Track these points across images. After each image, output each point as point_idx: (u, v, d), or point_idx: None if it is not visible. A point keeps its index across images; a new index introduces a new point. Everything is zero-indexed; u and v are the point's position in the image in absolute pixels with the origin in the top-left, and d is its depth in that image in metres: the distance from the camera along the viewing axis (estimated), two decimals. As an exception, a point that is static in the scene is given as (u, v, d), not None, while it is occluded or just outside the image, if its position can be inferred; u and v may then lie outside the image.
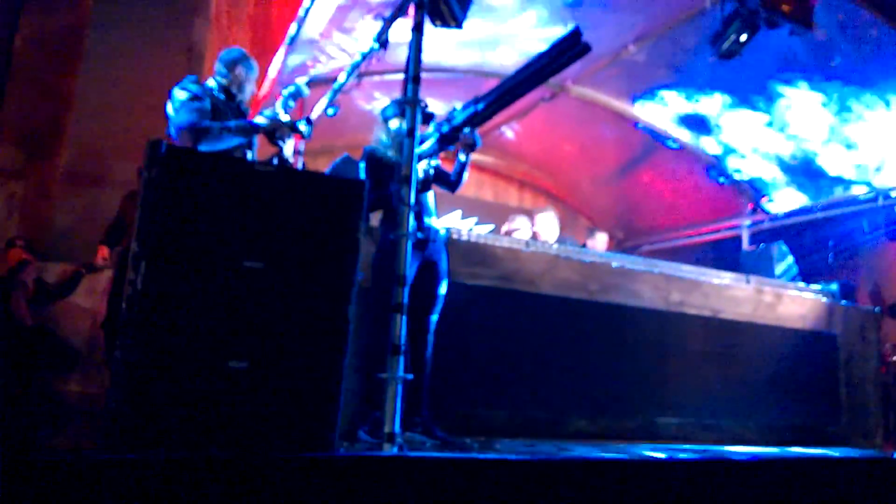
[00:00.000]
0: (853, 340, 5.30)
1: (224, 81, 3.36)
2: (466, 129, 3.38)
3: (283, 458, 2.31)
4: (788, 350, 4.99)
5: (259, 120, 3.25)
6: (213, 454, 2.32)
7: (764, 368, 4.85)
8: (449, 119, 3.41)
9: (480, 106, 3.29)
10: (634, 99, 6.06)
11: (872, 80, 4.96)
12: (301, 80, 3.51)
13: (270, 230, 2.59)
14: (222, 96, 3.33)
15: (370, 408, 3.21)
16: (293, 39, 4.35)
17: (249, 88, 3.42)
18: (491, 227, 7.60)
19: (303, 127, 3.28)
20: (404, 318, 2.70)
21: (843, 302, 5.38)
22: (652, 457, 3.21)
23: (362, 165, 3.48)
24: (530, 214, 5.78)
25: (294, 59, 4.74)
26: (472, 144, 3.44)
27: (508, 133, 6.99)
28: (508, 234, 5.50)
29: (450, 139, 3.45)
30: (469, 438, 3.56)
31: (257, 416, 2.49)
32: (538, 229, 5.53)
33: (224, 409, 2.47)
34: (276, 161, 3.06)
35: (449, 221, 7.45)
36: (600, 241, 5.74)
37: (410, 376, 2.71)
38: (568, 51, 3.00)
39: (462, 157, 3.54)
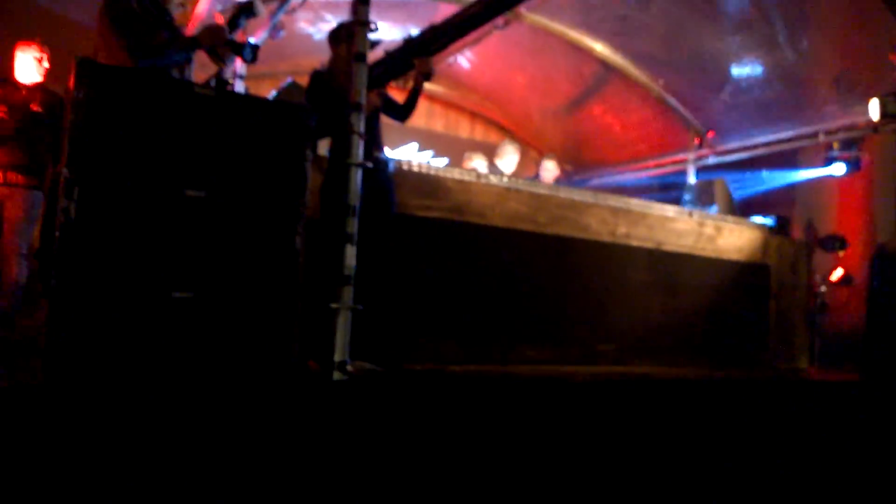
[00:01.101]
0: (785, 271, 5.53)
1: None
2: (421, 57, 3.25)
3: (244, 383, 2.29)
4: (725, 280, 5.18)
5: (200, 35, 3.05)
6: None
7: (702, 297, 5.05)
8: (404, 45, 3.28)
9: (438, 32, 3.16)
10: (589, 29, 5.94)
11: (815, 12, 4.98)
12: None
13: (212, 157, 2.48)
14: (154, 11, 3.09)
15: (320, 338, 3.19)
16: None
17: (178, 2, 3.17)
18: (445, 160, 7.53)
19: (247, 50, 3.09)
20: (354, 248, 2.65)
21: (778, 235, 5.57)
22: (590, 379, 3.32)
23: (308, 91, 3.32)
24: (488, 150, 5.76)
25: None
26: (427, 73, 3.32)
27: (461, 61, 6.80)
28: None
29: (403, 66, 3.32)
30: (418, 366, 3.60)
31: (205, 348, 2.44)
32: (500, 163, 5.53)
33: (169, 340, 2.41)
34: (214, 83, 2.89)
35: (405, 153, 7.35)
36: (549, 168, 5.71)
37: (360, 307, 2.68)
38: None
39: (416, 85, 3.43)
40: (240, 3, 3.07)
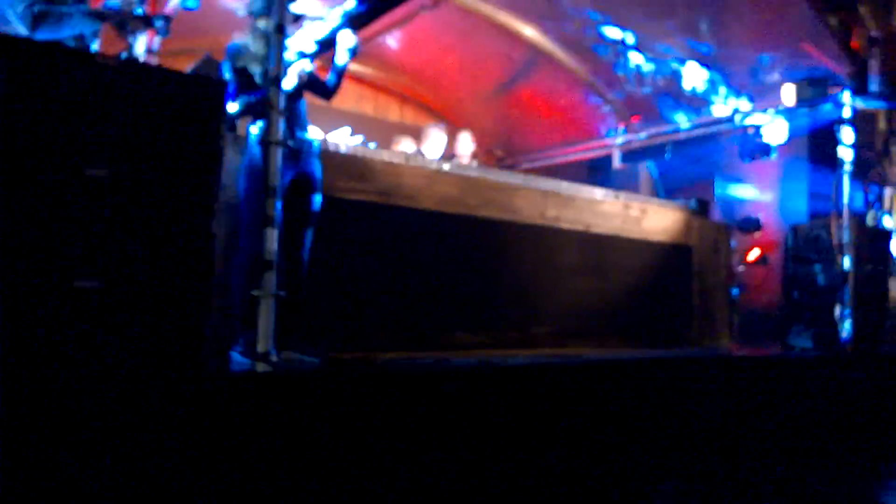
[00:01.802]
0: (706, 252, 5.70)
1: None
2: (345, 31, 3.10)
3: (154, 380, 2.11)
4: (651, 261, 5.29)
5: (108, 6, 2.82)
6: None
7: (629, 279, 5.13)
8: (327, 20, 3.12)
9: (362, 7, 3.02)
10: (519, 12, 5.90)
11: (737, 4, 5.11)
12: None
13: (118, 135, 2.25)
14: None
15: (243, 327, 3.02)
16: None
17: None
18: (374, 145, 7.36)
19: (159, 22, 2.87)
20: (276, 231, 2.50)
21: (700, 217, 5.72)
22: (524, 362, 3.29)
23: (226, 66, 3.13)
24: (418, 134, 5.60)
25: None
26: (352, 49, 3.17)
27: (390, 41, 6.64)
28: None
29: (327, 41, 3.17)
30: (348, 355, 3.48)
31: (114, 339, 2.23)
32: (425, 147, 5.36)
33: (73, 331, 2.20)
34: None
35: (337, 138, 7.15)
36: (464, 141, 5.45)
37: (283, 293, 2.54)
38: None
39: (340, 61, 3.28)
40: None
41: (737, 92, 6.10)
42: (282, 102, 2.51)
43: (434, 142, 5.33)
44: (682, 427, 3.13)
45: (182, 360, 2.26)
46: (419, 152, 5.41)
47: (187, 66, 4.35)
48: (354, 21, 3.06)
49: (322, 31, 3.14)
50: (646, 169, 6.19)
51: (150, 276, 2.28)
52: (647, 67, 6.18)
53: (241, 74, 3.09)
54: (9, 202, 2.12)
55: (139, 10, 2.89)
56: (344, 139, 7.24)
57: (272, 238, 2.48)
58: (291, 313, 3.07)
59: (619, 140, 6.90)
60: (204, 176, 2.39)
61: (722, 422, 3.46)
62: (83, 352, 2.19)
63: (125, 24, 2.84)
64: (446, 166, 4.32)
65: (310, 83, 3.31)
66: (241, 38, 3.23)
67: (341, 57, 3.22)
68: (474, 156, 5.56)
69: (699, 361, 4.07)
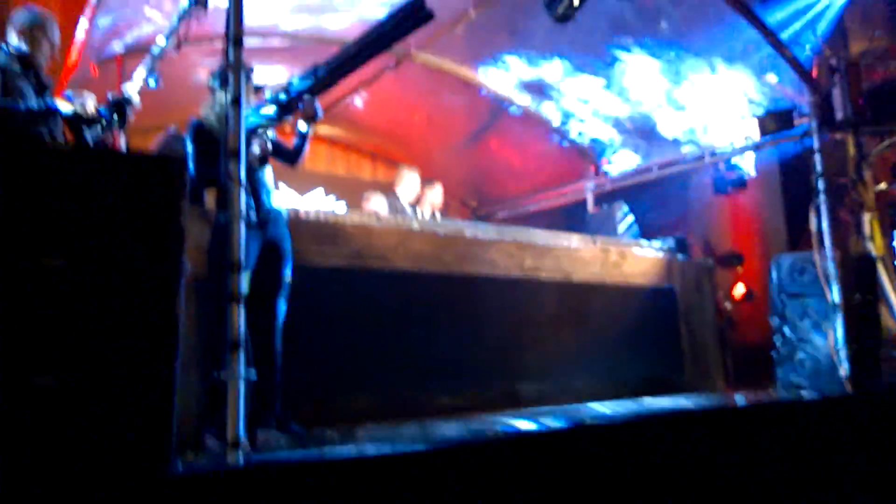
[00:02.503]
0: (690, 292, 5.71)
1: (18, 47, 2.90)
2: (306, 98, 3.14)
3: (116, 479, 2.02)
4: (634, 306, 5.27)
5: (62, 105, 2.85)
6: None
7: (614, 326, 5.08)
8: (287, 88, 3.16)
9: (320, 73, 3.07)
10: (478, 65, 6.04)
11: (697, 44, 5.27)
12: (131, 87, 3.14)
13: (73, 221, 2.23)
14: (17, 67, 2.86)
15: (216, 409, 2.94)
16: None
17: (47, 52, 2.97)
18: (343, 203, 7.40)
19: (104, 114, 2.91)
20: (242, 308, 2.46)
21: (680, 256, 5.76)
22: (514, 431, 3.22)
23: (188, 139, 3.15)
24: (388, 188, 5.63)
25: (104, 21, 4.19)
26: (312, 115, 3.21)
27: (357, 102, 6.75)
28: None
29: (287, 109, 3.20)
30: (329, 429, 3.40)
31: (74, 438, 2.15)
32: (399, 189, 5.36)
33: (30, 431, 2.12)
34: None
35: (311, 201, 7.19)
36: (407, 178, 5.37)
37: (253, 373, 2.48)
38: (411, 17, 2.87)
39: (302, 128, 3.31)
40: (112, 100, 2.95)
41: (704, 129, 6.25)
42: (243, 174, 2.50)
43: (407, 184, 5.34)
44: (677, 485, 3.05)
45: (148, 454, 2.18)
46: (392, 201, 5.41)
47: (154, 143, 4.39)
48: (315, 87, 3.10)
49: (283, 99, 3.15)
50: (621, 210, 6.24)
51: (112, 366, 2.22)
52: (618, 111, 6.31)
53: (204, 147, 3.10)
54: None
55: (82, 106, 2.91)
56: (316, 202, 7.32)
57: (237, 316, 2.44)
58: (266, 388, 3.00)
59: (591, 184, 6.98)
60: (166, 256, 2.36)
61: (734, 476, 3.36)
62: (40, 449, 2.11)
63: (78, 124, 2.86)
64: (419, 224, 4.33)
65: (274, 151, 3.33)
66: (204, 111, 3.28)
67: (303, 123, 3.25)
68: (442, 207, 5.59)
69: (696, 414, 4.02)
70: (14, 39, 2.92)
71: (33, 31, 2.94)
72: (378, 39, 2.95)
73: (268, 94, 3.25)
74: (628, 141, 6.60)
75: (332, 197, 7.53)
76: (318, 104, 3.17)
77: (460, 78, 6.20)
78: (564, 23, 4.02)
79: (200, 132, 3.17)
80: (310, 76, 3.04)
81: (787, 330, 5.24)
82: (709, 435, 3.59)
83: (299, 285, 3.35)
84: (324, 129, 6.83)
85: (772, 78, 5.33)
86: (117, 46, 4.48)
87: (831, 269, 4.90)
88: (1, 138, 2.30)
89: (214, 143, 3.07)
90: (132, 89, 3.25)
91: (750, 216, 8.12)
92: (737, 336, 6.77)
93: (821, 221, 4.96)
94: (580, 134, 6.80)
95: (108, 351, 2.23)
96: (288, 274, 3.27)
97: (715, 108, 5.89)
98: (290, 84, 3.12)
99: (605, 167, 6.92)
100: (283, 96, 3.13)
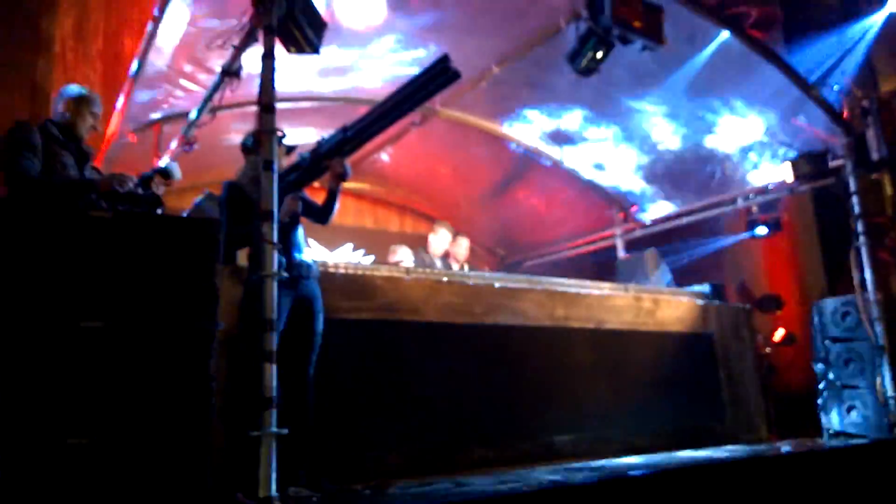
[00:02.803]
0: (728, 338, 5.61)
1: (62, 120, 3.08)
2: (336, 158, 3.24)
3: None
4: (670, 354, 5.20)
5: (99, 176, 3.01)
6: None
7: (649, 374, 5.03)
8: (317, 149, 3.27)
9: (349, 133, 3.17)
10: (502, 118, 6.16)
11: (722, 90, 5.31)
12: (174, 163, 3.30)
13: (111, 284, 2.33)
14: (61, 136, 3.03)
15: (247, 466, 2.96)
16: (137, 72, 4.05)
17: (90, 123, 3.14)
18: (372, 257, 7.50)
19: (141, 190, 3.04)
20: (275, 367, 2.50)
21: (716, 301, 5.69)
22: (550, 483, 3.17)
23: (222, 201, 3.25)
24: (419, 242, 5.81)
25: (143, 95, 4.41)
26: (341, 174, 3.30)
27: (384, 157, 6.91)
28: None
29: (318, 170, 3.30)
30: (361, 485, 3.38)
31: (106, 498, 2.20)
32: (433, 241, 5.61)
33: (66, 490, 2.17)
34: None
35: (341, 255, 7.33)
36: (440, 233, 5.71)
37: (286, 431, 2.50)
38: (437, 77, 2.98)
39: (332, 187, 3.41)
40: (157, 167, 3.07)
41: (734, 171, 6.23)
42: (274, 235, 2.58)
43: (439, 238, 5.64)
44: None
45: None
46: (421, 254, 5.54)
47: (190, 204, 4.55)
48: (344, 148, 3.20)
49: (313, 160, 3.26)
50: (652, 257, 6.21)
51: (147, 426, 2.28)
52: (641, 158, 6.35)
53: (237, 207, 3.20)
54: (2, 356, 2.16)
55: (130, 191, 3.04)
56: (346, 256, 7.44)
57: (270, 374, 2.48)
58: (297, 445, 3.02)
59: (621, 230, 6.98)
60: (199, 316, 2.44)
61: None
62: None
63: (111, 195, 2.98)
64: (448, 275, 4.38)
65: (305, 209, 3.43)
66: (238, 173, 3.40)
67: (334, 183, 3.34)
68: (469, 259, 5.72)
69: (740, 464, 3.92)
70: (60, 109, 3.10)
71: (79, 105, 3.11)
72: (406, 99, 3.05)
73: (298, 156, 3.37)
74: (657, 187, 6.60)
75: (360, 251, 7.64)
76: (348, 164, 3.26)
77: (485, 131, 6.28)
78: (588, 76, 4.10)
79: (233, 194, 3.28)
80: (338, 136, 3.14)
81: (831, 375, 5.12)
82: (754, 487, 3.49)
83: (330, 339, 3.40)
84: (351, 184, 6.96)
85: (802, 121, 5.32)
86: (155, 115, 4.69)
87: (875, 311, 4.80)
88: (40, 208, 2.42)
89: (247, 204, 3.20)
90: (171, 162, 3.38)
91: (786, 259, 8.02)
92: (778, 382, 6.62)
93: (862, 263, 4.89)
94: (606, 183, 6.84)
95: (143, 411, 2.29)
96: (320, 330, 3.32)
97: (745, 152, 5.87)
98: (319, 145, 3.23)
99: (635, 214, 6.90)
100: (313, 157, 3.23)
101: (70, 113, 3.09)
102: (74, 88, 3.19)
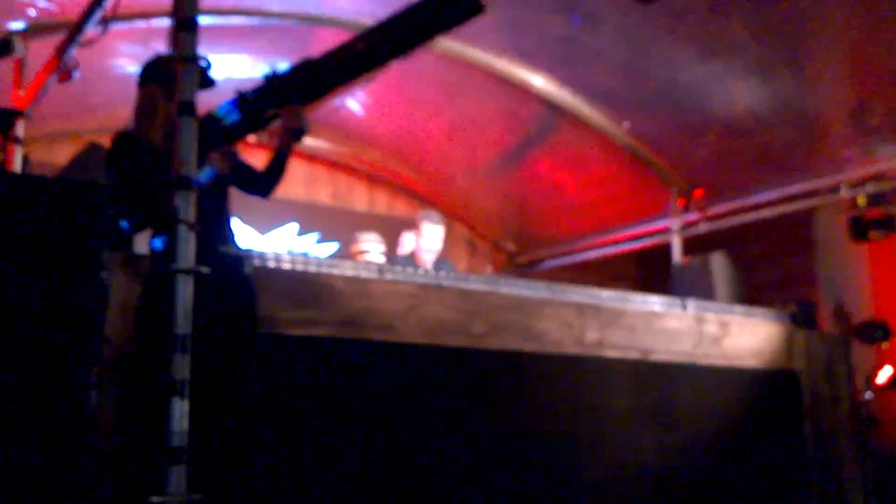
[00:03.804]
0: (819, 378, 5.64)
1: None
2: (290, 105, 3.11)
3: None
4: (740, 398, 5.22)
5: None
6: None
7: (710, 426, 5.04)
8: (264, 87, 3.13)
9: (316, 71, 3.03)
10: (522, 58, 6.07)
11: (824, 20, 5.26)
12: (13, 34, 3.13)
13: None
14: None
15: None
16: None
17: None
18: (336, 245, 7.41)
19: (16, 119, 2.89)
20: (186, 403, 2.37)
21: (805, 328, 5.65)
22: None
23: (115, 160, 3.10)
24: (394, 227, 5.66)
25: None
26: (297, 130, 3.19)
27: (351, 105, 6.81)
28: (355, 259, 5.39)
29: (261, 118, 3.17)
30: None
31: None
32: (423, 241, 5.45)
33: None
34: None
35: (279, 240, 7.21)
36: (426, 230, 5.46)
37: (200, 496, 2.37)
38: (453, 6, 2.83)
39: (281, 146, 3.29)
40: None
41: (834, 151, 6.18)
42: (190, 210, 2.43)
43: (427, 237, 5.45)
44: None
45: None
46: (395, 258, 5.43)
47: (70, 154, 4.42)
48: (304, 92, 3.05)
49: (251, 102, 3.12)
50: (721, 261, 6.16)
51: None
52: (710, 122, 6.28)
53: (134, 169, 3.05)
54: None
55: None
56: (287, 242, 7.33)
57: (181, 413, 2.34)
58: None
59: (679, 224, 6.91)
60: (78, 325, 2.31)
61: None
62: None
63: None
64: (439, 278, 4.29)
65: (237, 174, 3.29)
66: (137, 119, 3.25)
67: (284, 142, 3.20)
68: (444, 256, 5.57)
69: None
70: None
71: None
72: (400, 36, 2.90)
73: (235, 94, 3.23)
74: (733, 164, 6.52)
75: (311, 235, 7.55)
76: (306, 115, 3.13)
77: (495, 74, 6.20)
78: (648, 3, 4.00)
79: (130, 148, 3.13)
80: (299, 74, 3.00)
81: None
82: None
83: (266, 364, 3.34)
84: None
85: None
86: (15, 24, 4.51)
87: None
88: None
89: (145, 163, 3.05)
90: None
91: (900, 270, 8.02)
92: (881, 438, 6.60)
93: None
94: (663, 154, 6.74)
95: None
96: (252, 351, 3.21)
97: (855, 123, 5.80)
98: (268, 82, 3.09)
99: (697, 200, 6.84)
100: (254, 101, 3.08)
101: None
102: None
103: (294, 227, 7.51)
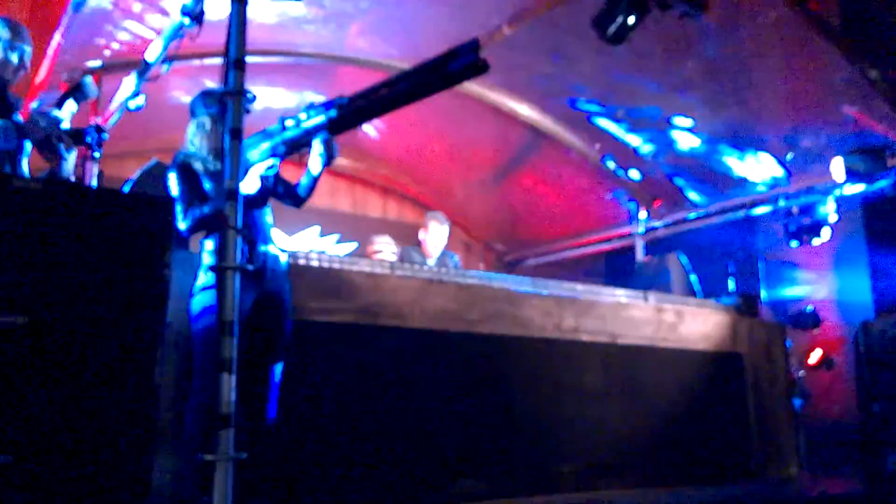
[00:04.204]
0: (760, 359, 5.59)
1: None
2: (323, 136, 3.10)
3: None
4: (693, 375, 5.18)
5: (33, 122, 2.84)
6: None
7: (668, 399, 4.99)
8: (300, 120, 3.11)
9: (346, 111, 3.00)
10: (511, 91, 6.08)
11: (763, 65, 5.26)
12: (88, 78, 3.13)
13: (38, 270, 2.20)
14: None
15: (198, 491, 2.87)
16: (78, 6, 3.89)
17: (16, 65, 2.97)
18: (354, 245, 7.41)
19: (91, 136, 2.90)
20: (234, 377, 2.39)
21: (748, 316, 5.64)
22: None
23: (174, 175, 3.12)
24: (402, 231, 5.61)
25: (81, 38, 4.26)
26: (329, 156, 3.14)
27: (367, 128, 6.80)
28: (371, 257, 5.32)
29: (299, 145, 3.16)
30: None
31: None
32: (429, 238, 5.35)
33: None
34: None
35: (304, 241, 7.19)
36: (433, 230, 5.32)
37: (244, 455, 2.40)
38: (464, 69, 2.82)
39: (314, 169, 3.24)
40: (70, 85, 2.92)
41: (777, 165, 6.18)
42: (238, 219, 2.46)
43: (434, 236, 5.34)
44: None
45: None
46: (409, 253, 5.38)
47: (136, 169, 4.41)
48: (335, 125, 3.04)
49: (295, 135, 3.11)
50: (676, 261, 6.15)
51: (82, 445, 2.17)
52: (668, 145, 6.29)
53: (192, 184, 3.08)
54: None
55: (63, 125, 2.90)
56: (314, 242, 7.32)
57: (228, 386, 2.36)
58: (256, 467, 2.93)
59: (641, 229, 6.92)
60: (146, 313, 2.32)
61: None
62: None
63: (49, 143, 2.84)
64: (440, 275, 4.28)
65: (276, 190, 3.31)
66: (192, 142, 3.27)
67: (315, 164, 3.18)
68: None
69: None
70: None
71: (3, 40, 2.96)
72: (420, 85, 2.87)
73: (279, 121, 3.23)
74: (686, 180, 6.54)
75: (332, 237, 7.54)
76: (337, 145, 3.10)
77: (489, 104, 6.22)
78: (617, 45, 4.01)
79: (185, 167, 3.15)
80: (332, 111, 2.99)
81: (876, 407, 5.10)
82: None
83: (298, 344, 3.33)
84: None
85: (855, 109, 5.27)
86: (93, 63, 4.53)
87: (931, 335, 4.79)
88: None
89: (200, 179, 3.09)
90: (85, 77, 3.23)
91: (828, 269, 8.00)
92: (812, 410, 6.60)
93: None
94: (629, 172, 6.76)
95: (77, 425, 2.18)
96: (287, 333, 3.23)
97: (789, 143, 5.82)
98: (307, 114, 3.05)
99: (660, 209, 6.85)
100: (294, 131, 3.06)
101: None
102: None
103: (316, 229, 7.50)
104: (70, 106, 2.87)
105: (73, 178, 2.94)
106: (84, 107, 3.02)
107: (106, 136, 2.97)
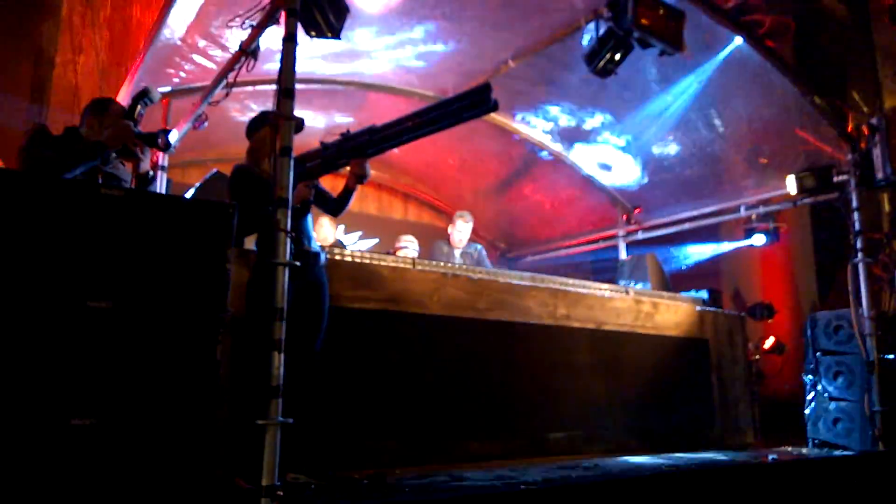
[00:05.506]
0: (722, 344, 5.59)
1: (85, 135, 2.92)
2: (358, 158, 3.13)
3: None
4: (666, 357, 5.17)
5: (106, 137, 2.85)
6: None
7: (645, 377, 5.00)
8: (341, 143, 3.15)
9: (376, 138, 3.06)
10: (514, 114, 6.06)
11: (729, 95, 5.23)
12: (150, 86, 3.15)
13: (120, 263, 2.23)
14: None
15: (247, 452, 2.88)
16: (149, 44, 3.92)
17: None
18: (375, 240, 7.41)
19: (161, 140, 2.91)
20: (283, 356, 2.42)
21: (713, 308, 5.64)
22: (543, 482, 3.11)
23: (233, 184, 3.14)
24: (421, 231, 5.65)
25: (153, 68, 4.28)
26: (362, 176, 3.19)
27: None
28: (396, 253, 5.34)
29: (337, 164, 3.20)
30: (358, 473, 3.32)
31: (109, 480, 2.12)
32: (455, 233, 5.46)
33: (68, 473, 2.08)
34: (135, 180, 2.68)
35: (347, 241, 7.20)
36: (460, 226, 5.48)
37: (291, 420, 2.43)
38: (476, 105, 2.93)
39: (350, 185, 3.30)
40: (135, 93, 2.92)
41: (736, 181, 6.14)
42: (287, 222, 2.48)
43: (460, 231, 5.47)
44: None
45: (187, 491, 2.14)
46: (441, 246, 5.43)
47: (198, 177, 4.44)
48: (364, 149, 3.08)
49: (331, 153, 3.14)
50: (653, 259, 6.14)
51: (153, 411, 2.19)
52: (647, 161, 6.27)
53: (247, 192, 3.10)
54: (6, 335, 2.06)
55: (138, 132, 2.91)
56: (340, 237, 7.34)
57: (278, 363, 2.40)
58: (300, 430, 2.94)
59: (622, 232, 6.90)
60: (208, 302, 2.35)
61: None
62: (75, 490, 2.07)
63: (128, 148, 2.85)
64: (454, 269, 4.30)
65: (317, 198, 3.32)
66: (247, 155, 3.29)
67: (351, 183, 3.24)
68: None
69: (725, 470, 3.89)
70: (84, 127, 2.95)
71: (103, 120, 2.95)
72: (439, 119, 2.96)
73: (321, 144, 3.25)
74: (662, 191, 6.51)
75: (356, 234, 7.54)
76: (369, 167, 3.15)
77: (495, 124, 6.19)
78: (605, 78, 4.00)
79: (243, 177, 3.18)
80: (365, 138, 3.03)
81: (820, 387, 5.07)
82: (740, 492, 3.46)
83: (334, 327, 3.34)
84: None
85: (807, 134, 5.24)
86: (163, 88, 4.56)
87: (867, 327, 4.75)
88: (50, 182, 2.31)
89: (255, 188, 3.10)
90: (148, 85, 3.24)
91: (781, 268, 7.98)
92: (765, 388, 6.59)
93: (858, 279, 4.83)
94: (612, 184, 6.75)
95: (149, 393, 2.21)
96: (325, 318, 3.24)
97: (750, 162, 5.79)
98: (344, 140, 3.10)
99: (639, 216, 6.82)
100: (335, 151, 3.11)
101: (91, 127, 2.92)
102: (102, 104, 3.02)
103: (340, 227, 7.48)
104: (139, 110, 2.88)
105: (150, 173, 2.95)
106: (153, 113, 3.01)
107: (171, 133, 2.96)
